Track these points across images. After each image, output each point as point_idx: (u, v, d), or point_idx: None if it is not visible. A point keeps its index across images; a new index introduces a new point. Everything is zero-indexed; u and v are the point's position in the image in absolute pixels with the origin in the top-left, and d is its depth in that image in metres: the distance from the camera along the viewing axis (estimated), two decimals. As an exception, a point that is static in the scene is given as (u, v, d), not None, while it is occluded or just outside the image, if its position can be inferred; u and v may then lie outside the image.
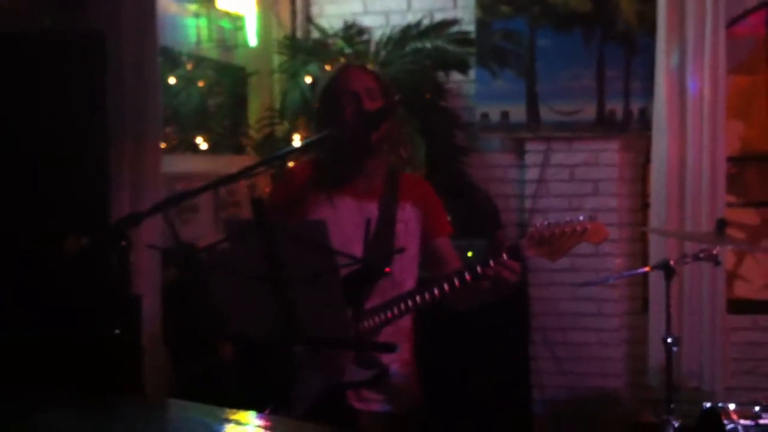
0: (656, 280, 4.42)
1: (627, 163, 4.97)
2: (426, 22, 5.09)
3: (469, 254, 4.11)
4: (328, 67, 4.72)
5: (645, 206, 4.94)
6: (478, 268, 2.51)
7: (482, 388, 4.33)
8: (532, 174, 5.02)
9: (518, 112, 4.93)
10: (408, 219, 2.71)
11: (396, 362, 2.63)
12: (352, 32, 5.14)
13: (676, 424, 3.71)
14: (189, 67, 4.49)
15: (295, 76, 4.90)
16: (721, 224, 3.71)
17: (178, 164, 4.14)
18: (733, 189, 4.85)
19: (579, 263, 4.75)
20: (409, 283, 2.69)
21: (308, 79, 4.79)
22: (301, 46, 5.13)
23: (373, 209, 2.67)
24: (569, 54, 4.84)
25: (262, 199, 2.15)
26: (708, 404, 3.57)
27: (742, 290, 4.95)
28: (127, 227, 2.10)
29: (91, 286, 2.75)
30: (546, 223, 2.54)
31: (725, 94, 4.60)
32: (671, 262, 3.75)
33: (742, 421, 3.34)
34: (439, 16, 5.15)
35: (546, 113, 4.90)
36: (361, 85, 2.68)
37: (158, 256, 3.53)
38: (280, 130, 4.90)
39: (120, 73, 3.41)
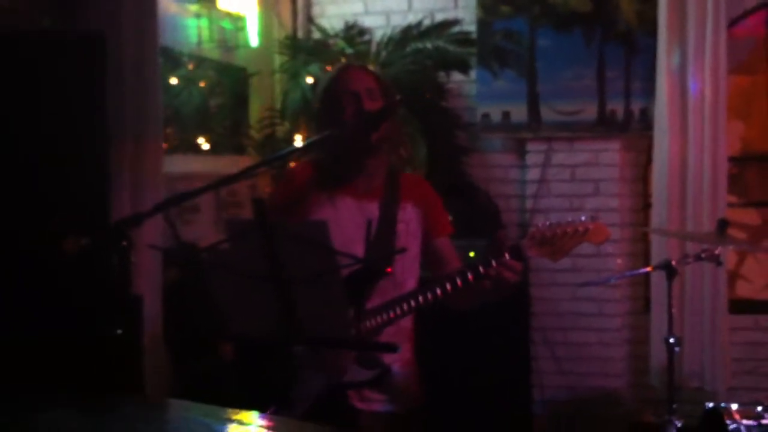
0: (658, 280, 4.42)
1: (628, 163, 4.97)
2: (427, 22, 5.09)
3: (472, 254, 4.10)
4: (329, 68, 4.71)
5: (646, 206, 4.94)
6: (480, 268, 2.50)
7: (483, 388, 4.33)
8: (533, 174, 5.01)
9: (519, 112, 4.93)
10: (409, 219, 2.70)
11: (397, 362, 2.62)
12: (353, 32, 5.13)
13: (678, 425, 3.70)
14: (190, 67, 4.49)
15: (296, 76, 4.90)
16: (723, 224, 3.70)
17: (179, 164, 4.14)
18: (734, 189, 4.85)
19: (580, 263, 4.75)
20: (411, 284, 2.68)
21: (309, 80, 4.78)
22: (302, 46, 5.13)
23: (373, 209, 2.66)
24: (570, 54, 4.83)
25: (263, 200, 2.14)
26: (711, 404, 3.57)
27: (743, 290, 4.94)
28: (128, 227, 2.10)
29: (91, 287, 2.75)
30: (547, 223, 2.54)
31: (726, 95, 4.60)
32: (673, 262, 3.75)
33: (744, 422, 3.34)
34: (439, 17, 5.14)
35: (547, 113, 4.89)
36: (362, 85, 2.67)
37: (159, 256, 3.53)
38: (281, 130, 4.90)
39: (120, 73, 3.40)
